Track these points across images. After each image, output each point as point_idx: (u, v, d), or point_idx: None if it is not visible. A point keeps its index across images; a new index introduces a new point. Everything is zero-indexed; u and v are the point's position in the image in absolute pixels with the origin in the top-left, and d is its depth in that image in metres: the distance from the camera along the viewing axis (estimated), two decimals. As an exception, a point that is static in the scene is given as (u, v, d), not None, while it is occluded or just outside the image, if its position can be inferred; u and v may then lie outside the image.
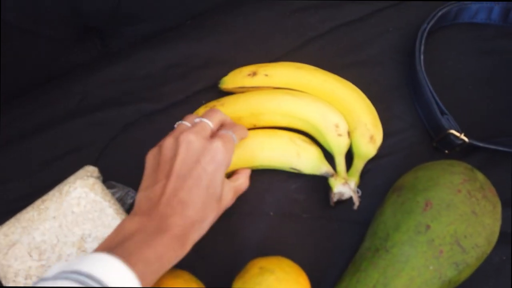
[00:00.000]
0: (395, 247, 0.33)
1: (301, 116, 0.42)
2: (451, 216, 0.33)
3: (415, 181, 0.36)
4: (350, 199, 0.40)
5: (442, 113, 0.43)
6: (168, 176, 0.32)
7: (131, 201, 0.40)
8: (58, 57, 0.46)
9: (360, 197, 0.41)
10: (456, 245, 0.32)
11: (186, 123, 0.36)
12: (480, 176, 0.36)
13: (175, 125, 0.37)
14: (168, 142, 0.34)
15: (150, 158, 0.35)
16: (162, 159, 0.33)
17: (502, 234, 0.38)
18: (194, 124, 0.35)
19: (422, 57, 0.46)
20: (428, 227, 0.33)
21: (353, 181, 0.41)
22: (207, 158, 0.33)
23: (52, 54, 0.45)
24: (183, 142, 0.33)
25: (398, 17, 0.51)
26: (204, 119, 0.36)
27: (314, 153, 0.42)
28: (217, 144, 0.33)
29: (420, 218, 0.33)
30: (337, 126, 0.41)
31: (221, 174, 0.33)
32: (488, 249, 0.34)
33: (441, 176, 0.35)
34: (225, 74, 0.46)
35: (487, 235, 0.33)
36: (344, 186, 0.40)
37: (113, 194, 0.39)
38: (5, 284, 0.34)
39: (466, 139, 0.41)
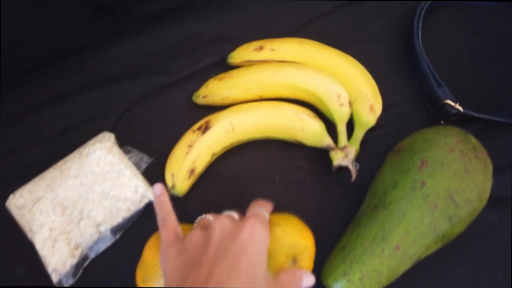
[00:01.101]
0: (393, 203, 0.36)
1: (305, 87, 0.44)
2: (445, 174, 0.35)
3: (412, 144, 0.38)
4: (351, 165, 0.43)
5: (439, 85, 0.45)
6: (203, 263, 0.27)
7: (145, 165, 0.42)
8: (73, 34, 0.48)
9: (358, 170, 0.43)
10: (450, 200, 0.35)
11: (209, 217, 0.32)
12: (472, 139, 0.38)
13: (196, 221, 0.33)
14: (195, 233, 0.30)
15: (171, 257, 0.29)
16: (191, 249, 0.29)
17: (494, 198, 0.41)
18: (217, 215, 0.32)
19: (420, 33, 0.48)
20: (423, 183, 0.35)
21: (353, 150, 0.43)
22: (243, 236, 0.28)
23: (67, 30, 0.48)
24: (217, 225, 0.29)
25: (398, -2, 0.54)
26: (226, 212, 0.33)
27: (317, 127, 0.44)
28: (252, 221, 0.29)
29: (416, 176, 0.36)
30: (339, 96, 0.44)
31: (263, 253, 0.29)
32: (480, 205, 0.36)
33: (436, 138, 0.37)
34: (231, 50, 0.49)
35: (479, 191, 0.36)
36: (344, 160, 0.43)
37: (128, 158, 0.41)
38: (30, 235, 0.36)
39: (461, 108, 0.44)
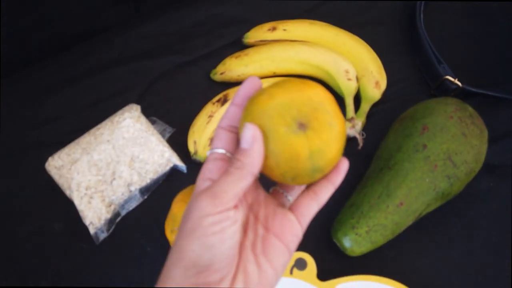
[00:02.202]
0: (397, 164, 0.39)
1: (316, 63, 0.48)
2: (444, 137, 0.39)
3: (415, 112, 0.42)
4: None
5: (439, 62, 0.49)
6: None
7: (168, 135, 0.46)
8: (100, 15, 0.52)
9: (364, 138, 0.47)
10: (448, 160, 0.38)
11: None
12: (469, 108, 0.42)
13: None
14: None
15: None
16: None
17: (490, 165, 0.45)
18: None
19: (422, 15, 0.52)
20: (424, 146, 0.39)
21: (360, 122, 0.47)
22: None
23: (95, 12, 0.52)
24: None
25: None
26: None
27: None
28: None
29: (418, 139, 0.39)
30: (347, 72, 0.47)
31: None
32: (476, 166, 0.40)
33: (436, 106, 0.41)
34: (246, 31, 0.52)
35: (475, 153, 0.39)
36: (351, 130, 0.46)
37: (154, 128, 0.45)
38: (69, 193, 0.40)
39: (459, 83, 0.47)
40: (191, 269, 0.21)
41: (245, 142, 0.21)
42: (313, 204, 0.25)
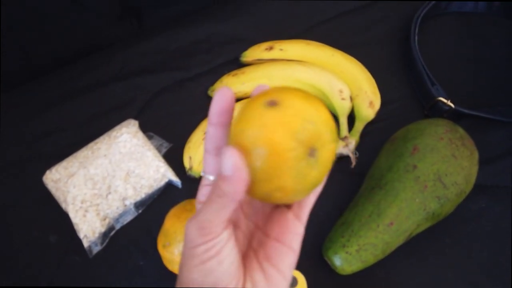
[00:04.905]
0: (388, 184, 0.40)
1: (311, 82, 0.49)
2: (434, 158, 0.39)
3: (406, 133, 0.43)
4: (351, 154, 0.47)
5: (432, 83, 0.50)
6: None
7: (165, 150, 0.47)
8: (103, 31, 0.54)
9: (357, 157, 0.47)
10: (438, 181, 0.39)
11: None
12: (460, 129, 0.42)
13: None
14: None
15: None
16: None
17: (482, 186, 0.45)
18: None
19: (416, 37, 0.53)
20: (415, 166, 0.39)
21: (354, 141, 0.48)
22: None
23: (98, 28, 0.53)
24: None
25: (397, 6, 0.59)
26: None
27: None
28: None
29: (409, 160, 0.40)
30: (341, 91, 0.48)
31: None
32: (467, 188, 0.40)
33: (427, 127, 0.41)
34: (244, 49, 0.54)
35: (465, 175, 0.40)
36: (345, 149, 0.47)
37: (151, 143, 0.46)
38: (65, 206, 0.41)
39: (452, 105, 0.48)
40: None
41: (225, 170, 0.19)
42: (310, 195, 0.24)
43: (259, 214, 0.25)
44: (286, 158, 0.19)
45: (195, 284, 0.21)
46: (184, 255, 0.21)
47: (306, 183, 0.20)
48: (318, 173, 0.20)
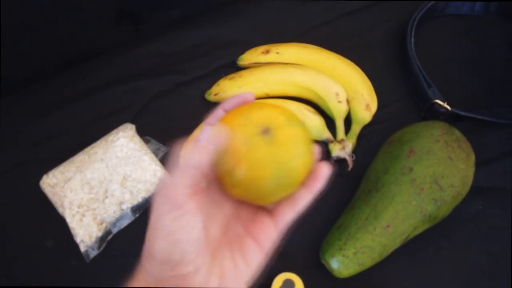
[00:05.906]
0: (384, 186, 0.40)
1: (307, 86, 0.49)
2: (431, 160, 0.39)
3: (402, 135, 0.43)
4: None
5: (429, 86, 0.50)
6: None
7: (162, 154, 0.47)
8: (100, 36, 0.54)
9: (354, 160, 0.47)
10: (435, 183, 0.39)
11: None
12: (456, 132, 0.42)
13: None
14: None
15: None
16: None
17: (479, 188, 0.45)
18: None
19: (412, 39, 0.53)
20: (411, 169, 0.39)
21: (350, 144, 0.48)
22: None
23: (96, 33, 0.53)
24: None
25: (395, 8, 0.59)
26: None
27: (317, 121, 0.49)
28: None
29: (405, 162, 0.40)
30: (337, 94, 0.48)
31: None
32: (463, 190, 0.40)
33: (423, 130, 0.42)
34: (242, 53, 0.54)
35: (461, 177, 0.40)
36: (341, 151, 0.47)
37: (147, 147, 0.46)
38: (61, 210, 0.41)
39: (448, 107, 0.48)
40: (165, 264, 0.22)
41: (203, 137, 0.22)
42: (290, 210, 0.26)
43: (244, 206, 0.27)
44: (239, 133, 0.23)
45: (162, 254, 0.22)
46: (152, 226, 0.22)
47: (265, 160, 0.23)
48: (280, 150, 0.23)
